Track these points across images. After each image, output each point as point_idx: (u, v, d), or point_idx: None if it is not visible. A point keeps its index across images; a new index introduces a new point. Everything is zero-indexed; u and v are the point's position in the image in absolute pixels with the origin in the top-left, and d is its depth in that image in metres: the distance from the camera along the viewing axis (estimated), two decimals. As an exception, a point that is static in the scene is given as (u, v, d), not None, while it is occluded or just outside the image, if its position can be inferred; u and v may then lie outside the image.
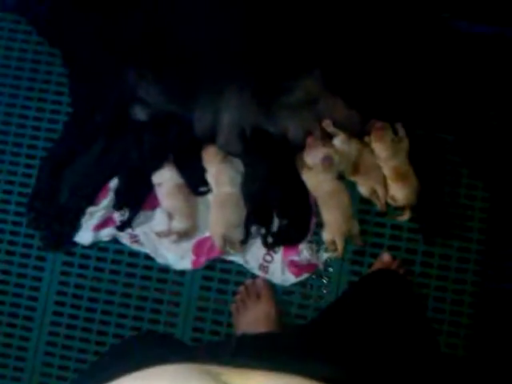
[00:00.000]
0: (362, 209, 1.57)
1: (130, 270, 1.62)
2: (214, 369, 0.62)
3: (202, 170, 1.58)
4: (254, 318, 1.51)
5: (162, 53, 1.55)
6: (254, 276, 1.58)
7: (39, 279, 1.63)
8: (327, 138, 1.54)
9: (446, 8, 1.55)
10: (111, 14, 1.56)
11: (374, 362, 0.87)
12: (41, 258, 1.64)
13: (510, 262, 1.46)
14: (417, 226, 1.55)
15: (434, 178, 1.54)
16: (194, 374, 0.58)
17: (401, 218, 1.54)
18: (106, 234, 1.61)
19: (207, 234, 1.58)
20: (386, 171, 1.53)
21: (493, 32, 1.53)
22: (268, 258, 1.57)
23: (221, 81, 1.53)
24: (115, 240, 1.62)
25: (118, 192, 1.60)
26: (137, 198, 1.61)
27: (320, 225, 1.55)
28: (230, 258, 1.58)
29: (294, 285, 1.57)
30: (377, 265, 1.53)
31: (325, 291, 1.57)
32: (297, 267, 1.56)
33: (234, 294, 1.58)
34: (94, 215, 1.61)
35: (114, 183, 1.62)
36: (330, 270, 1.57)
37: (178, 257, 1.59)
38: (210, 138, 1.57)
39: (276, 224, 1.56)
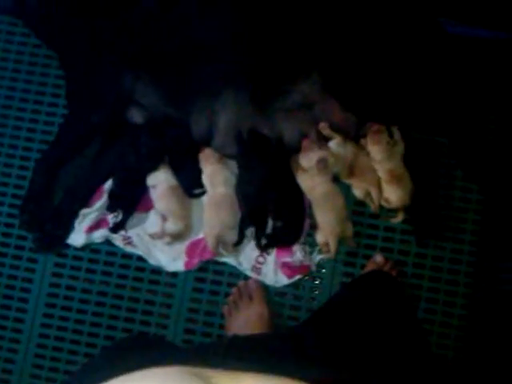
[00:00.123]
0: (356, 211, 1.58)
1: (122, 271, 1.61)
2: (205, 372, 0.62)
3: (197, 172, 1.58)
4: (246, 320, 1.51)
5: (158, 55, 1.56)
6: (246, 277, 1.57)
7: (30, 281, 1.62)
8: (323, 140, 1.55)
9: (442, 12, 1.57)
10: (107, 16, 1.58)
11: (365, 363, 0.87)
12: (32, 260, 1.63)
13: (502, 264, 1.46)
14: (410, 227, 1.56)
15: (429, 180, 1.55)
16: (185, 377, 0.58)
17: (394, 219, 1.55)
18: (99, 235, 1.61)
19: (200, 236, 1.58)
20: (381, 174, 1.54)
21: (488, 36, 1.55)
22: (261, 259, 1.57)
23: (217, 83, 1.54)
24: (107, 242, 1.62)
25: (112, 194, 1.60)
26: (131, 200, 1.61)
27: (313, 226, 1.55)
28: (223, 259, 1.58)
29: (287, 286, 1.56)
30: (369, 266, 1.52)
31: (317, 293, 1.57)
32: (289, 269, 1.56)
33: (227, 295, 1.57)
34: (86, 217, 1.60)
35: (107, 185, 1.62)
36: (323, 271, 1.57)
37: (170, 258, 1.59)
38: (207, 140, 1.57)
39: (270, 225, 1.56)
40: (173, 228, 1.55)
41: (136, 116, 1.59)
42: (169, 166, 1.60)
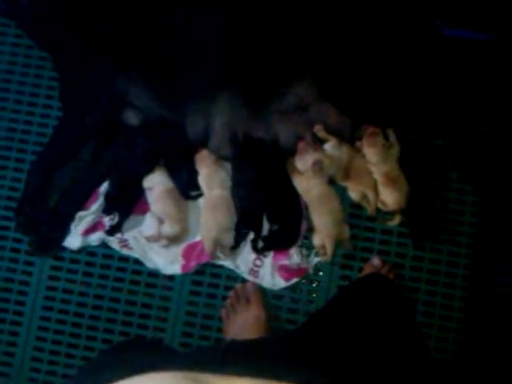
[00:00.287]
0: (353, 213, 1.58)
1: (118, 274, 1.61)
2: (202, 377, 0.62)
3: (194, 174, 1.58)
4: (243, 323, 1.51)
5: (152, 57, 1.55)
6: (244, 280, 1.58)
7: (27, 284, 1.62)
8: (318, 143, 1.55)
9: (437, 15, 1.56)
10: (101, 18, 1.56)
11: (362, 367, 0.87)
12: (29, 263, 1.63)
13: (499, 267, 1.46)
14: (407, 230, 1.56)
15: (424, 182, 1.55)
16: (181, 383, 0.58)
17: (391, 222, 1.55)
18: (95, 238, 1.60)
19: (197, 239, 1.58)
20: (377, 176, 1.54)
21: (482, 38, 1.55)
22: (258, 262, 1.57)
23: (212, 85, 1.53)
24: (104, 244, 1.61)
25: (108, 196, 1.60)
26: (127, 203, 1.60)
27: (310, 229, 1.55)
28: (220, 262, 1.58)
29: (284, 289, 1.57)
30: (367, 269, 1.53)
31: (315, 295, 1.57)
32: (287, 271, 1.56)
33: (224, 298, 1.57)
34: (83, 220, 1.60)
35: (103, 187, 1.61)
36: (320, 274, 1.57)
37: (167, 261, 1.59)
38: (202, 142, 1.57)
39: (266, 228, 1.56)
40: (169, 231, 1.55)
41: (131, 118, 1.58)
42: (165, 168, 1.59)
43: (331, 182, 1.55)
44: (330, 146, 1.54)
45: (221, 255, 1.56)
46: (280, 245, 1.56)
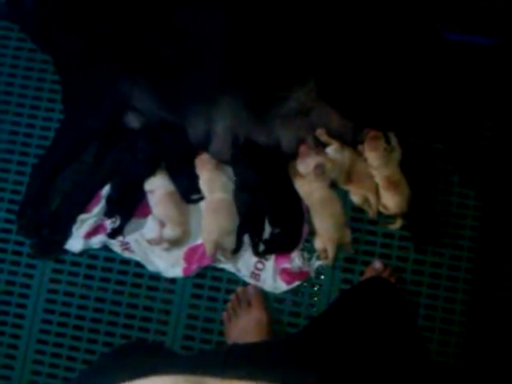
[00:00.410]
0: (354, 217, 1.58)
1: (120, 277, 1.61)
2: (203, 380, 0.62)
3: (195, 178, 1.58)
4: (245, 326, 1.51)
5: (154, 60, 1.56)
6: (245, 284, 1.58)
7: (28, 286, 1.62)
8: (320, 146, 1.55)
9: (439, 19, 1.57)
10: (103, 21, 1.57)
11: (364, 370, 0.87)
12: (30, 266, 1.63)
13: (500, 270, 1.46)
14: (408, 234, 1.56)
15: (426, 186, 1.55)
16: None
17: (392, 226, 1.55)
18: (97, 241, 1.61)
19: (199, 242, 1.58)
20: (379, 180, 1.54)
21: (484, 42, 1.55)
22: (260, 265, 1.57)
23: (214, 89, 1.53)
24: (106, 247, 1.61)
25: (110, 199, 1.60)
26: (128, 206, 1.60)
27: (312, 233, 1.55)
28: (222, 265, 1.58)
29: (286, 292, 1.57)
30: (368, 272, 1.53)
31: (316, 299, 1.57)
32: (288, 275, 1.56)
33: (226, 302, 1.57)
34: (84, 222, 1.60)
35: (105, 190, 1.61)
36: (322, 277, 1.57)
37: (168, 264, 1.59)
38: (204, 146, 1.57)
39: (268, 232, 1.56)
40: (171, 234, 1.55)
41: (132, 121, 1.58)
42: (166, 172, 1.59)
43: (333, 185, 1.55)
44: (331, 150, 1.54)
45: (222, 258, 1.56)
46: (282, 248, 1.56)
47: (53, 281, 1.62)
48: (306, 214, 1.56)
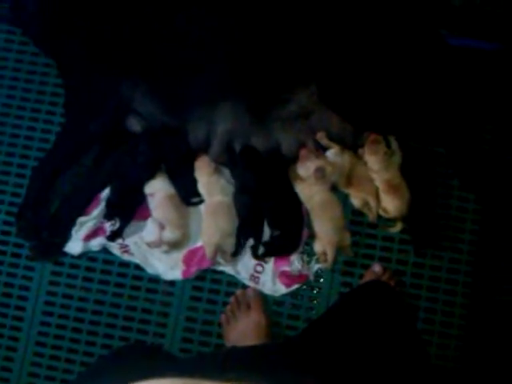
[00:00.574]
0: (354, 220, 1.58)
1: (119, 280, 1.61)
2: (201, 383, 0.62)
3: (195, 181, 1.58)
4: (244, 329, 1.50)
5: (156, 64, 1.57)
6: (244, 286, 1.57)
7: (27, 289, 1.62)
8: (320, 150, 1.56)
9: (441, 23, 1.57)
10: (106, 25, 1.58)
11: (362, 374, 0.86)
12: (29, 268, 1.63)
13: (500, 274, 1.46)
14: (408, 237, 1.56)
15: (426, 190, 1.55)
16: None
17: (392, 229, 1.55)
18: (96, 243, 1.60)
19: (198, 244, 1.58)
20: (379, 183, 1.54)
21: (484, 47, 1.56)
22: (259, 268, 1.57)
23: (216, 92, 1.54)
24: (105, 250, 1.61)
25: (110, 202, 1.60)
26: (128, 208, 1.60)
27: (311, 236, 1.55)
28: (221, 268, 1.58)
29: (285, 295, 1.56)
30: (368, 275, 1.53)
31: (315, 302, 1.57)
32: (288, 278, 1.56)
33: (225, 304, 1.57)
34: (84, 225, 1.60)
35: (105, 193, 1.61)
36: (321, 280, 1.57)
37: (168, 267, 1.58)
38: (204, 149, 1.58)
39: (267, 234, 1.56)
40: (170, 236, 1.55)
41: (134, 125, 1.59)
42: (166, 175, 1.60)
43: (333, 188, 1.56)
44: (332, 153, 1.55)
45: (221, 261, 1.55)
46: (281, 251, 1.56)
47: (52, 283, 1.62)
48: (306, 217, 1.56)
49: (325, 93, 1.51)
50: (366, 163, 1.55)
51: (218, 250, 1.53)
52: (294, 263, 1.55)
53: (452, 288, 1.55)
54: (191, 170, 1.59)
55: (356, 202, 1.55)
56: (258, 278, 1.56)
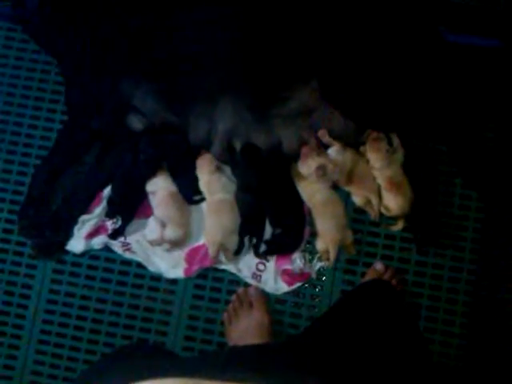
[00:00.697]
0: (356, 218, 1.58)
1: (121, 278, 1.61)
2: (203, 383, 0.61)
3: (196, 179, 1.58)
4: (246, 328, 1.50)
5: (157, 62, 1.56)
6: (246, 285, 1.57)
7: (29, 287, 1.62)
8: (322, 147, 1.55)
9: (442, 21, 1.57)
10: (107, 23, 1.58)
11: (365, 373, 0.86)
12: (31, 266, 1.63)
13: (503, 272, 1.45)
14: (410, 235, 1.56)
15: (428, 187, 1.55)
16: None
17: (394, 227, 1.54)
18: (98, 242, 1.60)
19: (200, 242, 1.57)
20: (381, 181, 1.54)
21: (487, 44, 1.55)
22: (261, 266, 1.56)
23: (216, 90, 1.54)
24: (107, 248, 1.61)
25: (111, 200, 1.59)
26: (130, 207, 1.60)
27: (313, 234, 1.54)
28: (223, 266, 1.58)
29: (287, 294, 1.56)
30: (370, 274, 1.52)
31: (317, 300, 1.57)
32: (290, 276, 1.55)
33: (227, 303, 1.57)
34: (86, 223, 1.60)
35: (107, 191, 1.61)
36: (323, 279, 1.57)
37: (170, 265, 1.58)
38: (206, 147, 1.57)
39: (269, 233, 1.56)
40: (172, 235, 1.55)
41: (135, 122, 1.58)
42: (168, 173, 1.59)
43: (335, 186, 1.55)
44: (333, 151, 1.54)
45: (223, 259, 1.55)
46: (283, 249, 1.56)
47: (54, 281, 1.62)
48: (308, 215, 1.56)
49: (327, 90, 1.51)
50: (367, 161, 1.55)
51: (221, 248, 1.53)
52: (296, 261, 1.55)
53: (454, 286, 1.54)
54: (193, 167, 1.58)
55: (358, 199, 1.55)
56: (259, 276, 1.56)
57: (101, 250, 1.61)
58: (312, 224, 1.54)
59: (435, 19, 1.57)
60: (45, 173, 1.62)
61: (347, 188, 1.56)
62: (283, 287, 1.56)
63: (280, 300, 1.57)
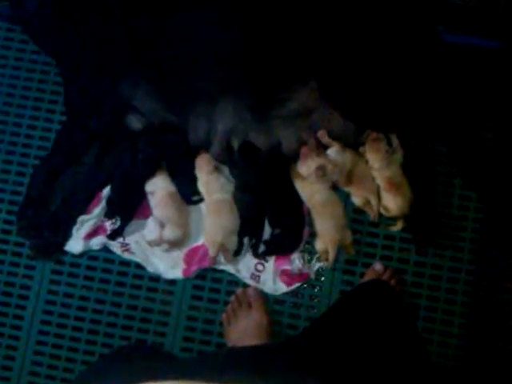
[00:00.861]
0: (355, 219, 1.58)
1: (120, 278, 1.61)
2: None
3: (195, 179, 1.58)
4: (245, 328, 1.50)
5: (156, 62, 1.56)
6: (245, 285, 1.57)
7: (28, 287, 1.62)
8: (321, 148, 1.55)
9: (441, 21, 1.57)
10: (106, 24, 1.58)
11: (363, 373, 0.86)
12: (30, 267, 1.63)
13: (501, 272, 1.45)
14: (409, 236, 1.56)
15: (427, 188, 1.55)
16: None
17: (393, 228, 1.54)
18: (97, 242, 1.60)
19: (199, 243, 1.57)
20: (380, 181, 1.54)
21: (486, 45, 1.55)
22: (260, 267, 1.56)
23: (216, 91, 1.54)
24: (106, 249, 1.61)
25: (110, 200, 1.59)
26: (129, 207, 1.60)
27: (312, 234, 1.54)
28: (222, 267, 1.58)
29: (286, 294, 1.56)
30: (369, 274, 1.52)
31: (316, 301, 1.57)
32: (288, 277, 1.55)
33: (225, 303, 1.56)
34: (84, 224, 1.60)
35: (105, 191, 1.61)
36: (322, 279, 1.57)
37: (168, 266, 1.58)
38: (205, 147, 1.57)
39: (268, 233, 1.56)
40: (171, 235, 1.54)
41: (134, 122, 1.58)
42: (167, 173, 1.59)
43: (334, 187, 1.55)
44: (333, 152, 1.54)
45: (222, 260, 1.55)
46: (282, 249, 1.55)
47: (52, 282, 1.61)
48: (307, 215, 1.56)
49: (326, 90, 1.51)
50: (367, 161, 1.55)
51: (221, 248, 1.52)
52: (295, 262, 1.55)
53: (453, 286, 1.54)
54: (192, 168, 1.58)
55: (357, 200, 1.55)
56: (258, 276, 1.56)
57: (99, 250, 1.61)
58: (311, 224, 1.54)
59: (435, 20, 1.57)
60: (43, 173, 1.62)
61: (346, 188, 1.56)
62: (282, 288, 1.56)
63: (279, 300, 1.57)
